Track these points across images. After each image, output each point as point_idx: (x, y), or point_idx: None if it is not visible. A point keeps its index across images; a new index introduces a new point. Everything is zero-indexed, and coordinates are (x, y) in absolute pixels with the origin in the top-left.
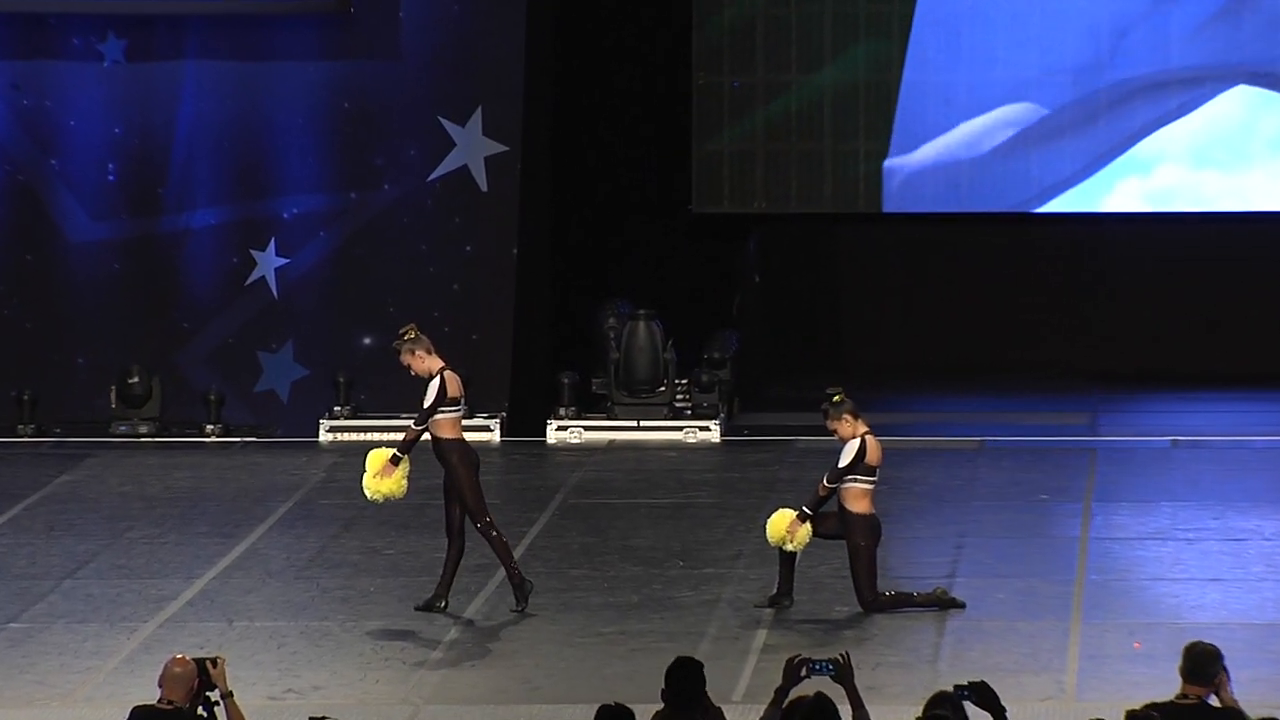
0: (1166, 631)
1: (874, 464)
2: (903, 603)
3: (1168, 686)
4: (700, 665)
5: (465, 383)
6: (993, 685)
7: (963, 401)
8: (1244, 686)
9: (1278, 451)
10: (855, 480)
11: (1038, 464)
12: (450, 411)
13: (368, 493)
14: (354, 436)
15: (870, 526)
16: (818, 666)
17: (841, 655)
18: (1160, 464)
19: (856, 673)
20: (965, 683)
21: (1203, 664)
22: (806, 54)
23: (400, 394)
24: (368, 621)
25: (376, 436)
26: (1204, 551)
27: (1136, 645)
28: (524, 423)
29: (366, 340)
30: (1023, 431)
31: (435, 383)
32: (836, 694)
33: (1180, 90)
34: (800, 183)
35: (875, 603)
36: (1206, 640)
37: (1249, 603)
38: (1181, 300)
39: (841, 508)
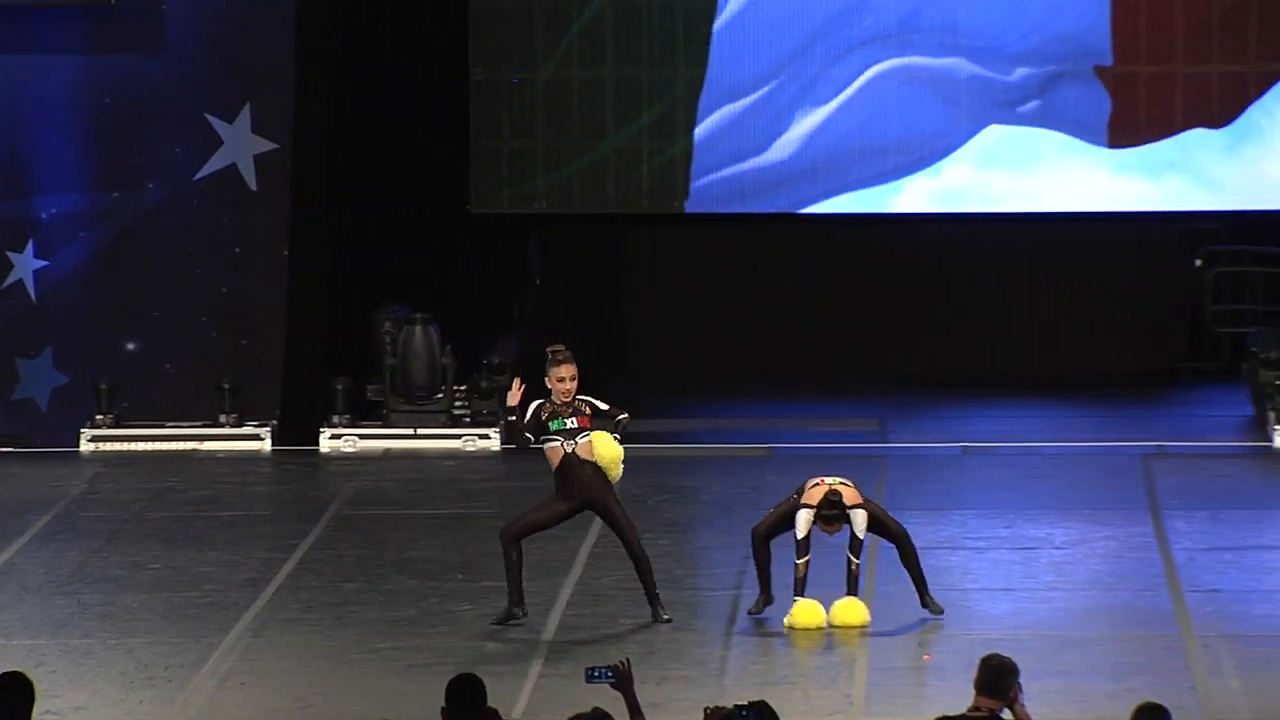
0: (956, 643)
1: None
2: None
3: (959, 699)
4: (480, 681)
5: (234, 391)
6: (779, 700)
7: (751, 408)
8: (1034, 698)
9: (1068, 458)
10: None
11: (827, 471)
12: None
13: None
14: (117, 446)
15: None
16: (597, 673)
17: (622, 662)
18: (951, 471)
19: (640, 686)
20: (746, 702)
21: (998, 677)
22: (588, 49)
23: (165, 402)
24: (131, 639)
25: (140, 446)
26: (994, 560)
27: (926, 657)
28: (296, 431)
29: (130, 346)
30: (811, 438)
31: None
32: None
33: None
34: (582, 182)
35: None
36: (999, 652)
37: (1039, 613)
38: (971, 304)
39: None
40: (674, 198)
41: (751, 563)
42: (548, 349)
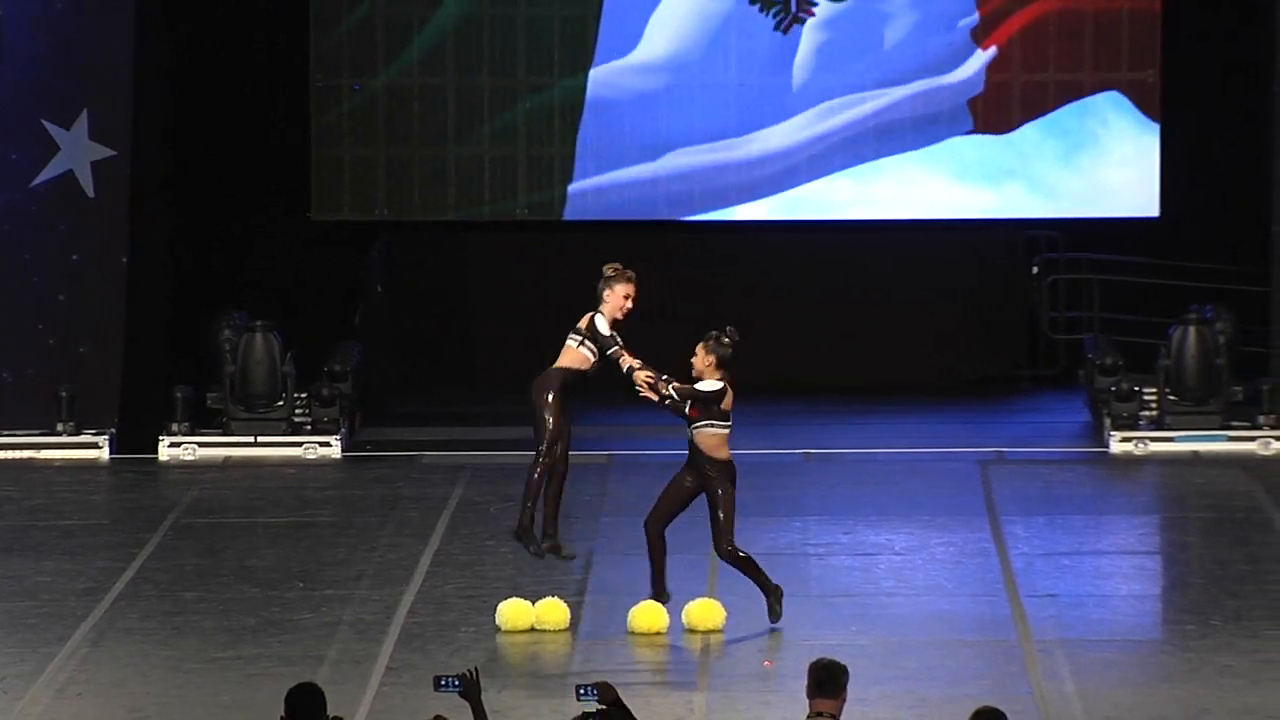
0: (797, 649)
1: (729, 409)
2: (749, 569)
3: (800, 706)
4: (320, 690)
5: (72, 399)
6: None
7: (591, 415)
8: (873, 704)
9: (908, 465)
10: (713, 425)
11: (665, 479)
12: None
13: None
14: None
15: (732, 471)
16: (445, 682)
17: (469, 671)
18: (792, 477)
19: (484, 693)
20: (589, 684)
21: (831, 675)
22: (428, 54)
23: (1, 411)
24: None
25: None
26: (834, 566)
27: (767, 664)
28: (135, 439)
29: None
30: (653, 445)
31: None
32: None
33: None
34: (424, 189)
35: (732, 554)
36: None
37: (879, 618)
38: (811, 311)
39: (702, 455)
40: (515, 205)
41: (594, 569)
42: (614, 267)
